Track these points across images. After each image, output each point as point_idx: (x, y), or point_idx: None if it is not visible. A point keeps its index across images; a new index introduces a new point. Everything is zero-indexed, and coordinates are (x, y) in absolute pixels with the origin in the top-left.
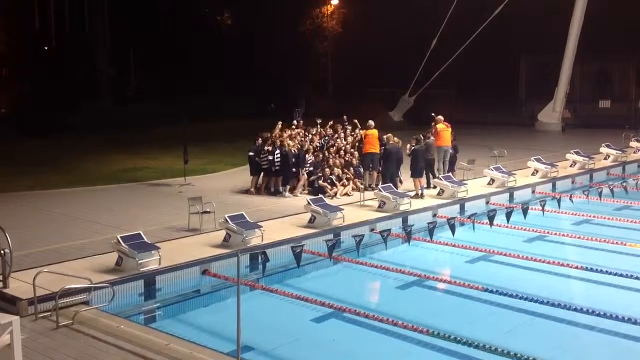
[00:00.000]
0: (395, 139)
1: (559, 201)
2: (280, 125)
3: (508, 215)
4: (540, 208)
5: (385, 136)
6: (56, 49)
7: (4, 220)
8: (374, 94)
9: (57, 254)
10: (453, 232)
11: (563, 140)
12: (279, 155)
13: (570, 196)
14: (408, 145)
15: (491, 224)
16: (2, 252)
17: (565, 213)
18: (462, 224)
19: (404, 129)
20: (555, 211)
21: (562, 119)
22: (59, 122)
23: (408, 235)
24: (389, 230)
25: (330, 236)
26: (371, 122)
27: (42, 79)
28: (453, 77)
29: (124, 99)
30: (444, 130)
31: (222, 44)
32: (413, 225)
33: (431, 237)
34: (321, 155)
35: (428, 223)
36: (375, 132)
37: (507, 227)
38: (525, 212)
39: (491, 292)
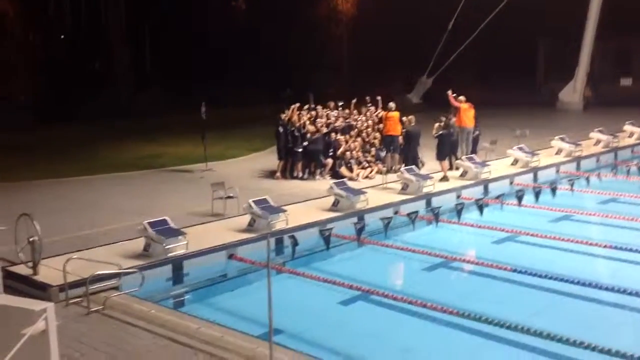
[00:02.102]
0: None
1: (587, 179)
2: (295, 108)
3: (537, 195)
4: (569, 187)
5: (407, 118)
6: (72, 36)
7: (27, 208)
8: (391, 76)
9: (83, 240)
10: (481, 212)
11: (585, 119)
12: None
13: (599, 174)
14: (436, 125)
15: (519, 203)
16: (31, 239)
17: (592, 192)
18: (486, 205)
19: (423, 110)
20: (581, 190)
21: (584, 98)
22: (76, 110)
23: (436, 216)
24: (417, 212)
25: (356, 219)
26: (392, 105)
27: (59, 66)
28: (472, 58)
29: (140, 87)
30: (467, 110)
31: (237, 29)
32: (441, 207)
33: (459, 219)
34: (341, 137)
35: (456, 204)
36: (396, 114)
37: (533, 207)
38: (554, 191)
39: (519, 272)
